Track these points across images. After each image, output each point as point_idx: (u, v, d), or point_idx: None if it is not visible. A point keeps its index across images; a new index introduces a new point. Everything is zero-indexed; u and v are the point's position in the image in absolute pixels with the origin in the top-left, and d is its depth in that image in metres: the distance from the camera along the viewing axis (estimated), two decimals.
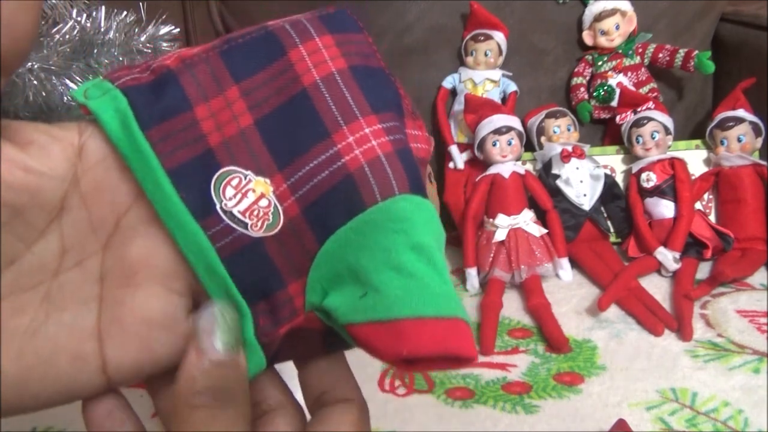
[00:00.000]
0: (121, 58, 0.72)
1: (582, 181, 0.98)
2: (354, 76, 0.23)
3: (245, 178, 0.22)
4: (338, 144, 0.22)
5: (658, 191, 0.96)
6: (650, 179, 0.96)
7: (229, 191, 0.22)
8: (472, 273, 0.94)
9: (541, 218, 0.96)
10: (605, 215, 1.01)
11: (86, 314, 0.21)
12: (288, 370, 0.25)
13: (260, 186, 0.22)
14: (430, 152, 0.25)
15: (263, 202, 0.22)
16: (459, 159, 1.05)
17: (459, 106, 1.05)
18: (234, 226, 0.22)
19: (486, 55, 1.06)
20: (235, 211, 0.22)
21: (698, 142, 1.02)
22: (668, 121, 0.98)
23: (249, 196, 0.22)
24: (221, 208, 0.22)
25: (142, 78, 0.22)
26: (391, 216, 0.22)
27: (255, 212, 0.22)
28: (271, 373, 0.24)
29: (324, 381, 0.24)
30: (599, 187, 0.99)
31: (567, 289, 0.91)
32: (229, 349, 0.20)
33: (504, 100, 1.08)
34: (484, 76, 1.06)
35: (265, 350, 0.22)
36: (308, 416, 0.25)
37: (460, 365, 0.21)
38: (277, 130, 0.22)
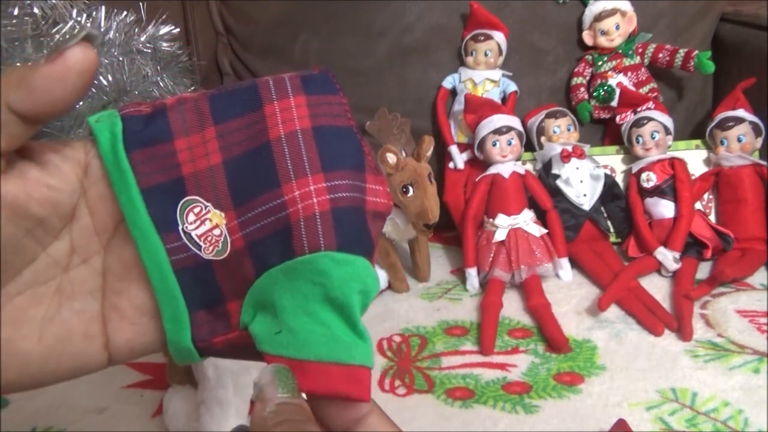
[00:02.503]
0: (120, 58, 0.72)
1: (582, 181, 0.98)
2: (315, 136, 0.26)
3: (205, 208, 0.25)
4: (285, 195, 0.25)
5: (658, 191, 0.96)
6: (650, 179, 0.96)
7: (191, 217, 0.25)
8: (472, 273, 0.94)
9: (541, 218, 0.96)
10: (605, 215, 1.01)
11: (92, 302, 0.25)
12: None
13: (216, 218, 0.25)
14: (390, 206, 0.27)
15: (216, 232, 0.25)
16: (459, 159, 1.05)
17: (459, 106, 1.05)
18: (190, 245, 0.25)
19: (486, 55, 1.06)
20: (193, 233, 0.25)
21: (698, 142, 1.02)
22: (668, 121, 0.98)
23: (206, 224, 0.25)
24: (182, 229, 0.25)
25: (142, 110, 0.26)
26: (312, 269, 0.25)
27: (209, 238, 0.25)
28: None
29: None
30: (599, 187, 0.98)
31: (567, 289, 0.91)
32: (289, 394, 0.23)
33: (504, 100, 1.08)
34: (484, 76, 1.06)
35: (202, 353, 0.26)
36: None
37: (354, 402, 0.25)
38: (239, 172, 0.25)
